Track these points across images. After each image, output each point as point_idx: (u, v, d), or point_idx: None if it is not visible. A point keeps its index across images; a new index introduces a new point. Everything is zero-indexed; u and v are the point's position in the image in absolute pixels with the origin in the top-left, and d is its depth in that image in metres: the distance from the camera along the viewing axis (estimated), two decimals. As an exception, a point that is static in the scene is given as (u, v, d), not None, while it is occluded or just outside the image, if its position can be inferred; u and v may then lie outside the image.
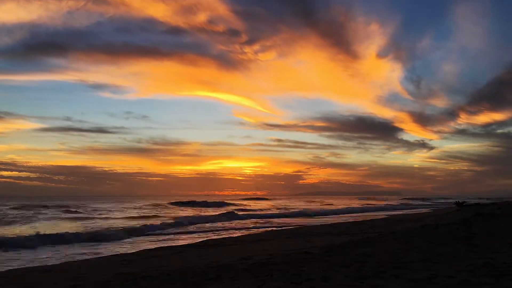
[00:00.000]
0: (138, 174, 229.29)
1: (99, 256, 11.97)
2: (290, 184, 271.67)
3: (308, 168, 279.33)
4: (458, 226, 14.18)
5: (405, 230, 14.54)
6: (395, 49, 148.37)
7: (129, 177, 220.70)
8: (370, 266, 6.81)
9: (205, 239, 16.31)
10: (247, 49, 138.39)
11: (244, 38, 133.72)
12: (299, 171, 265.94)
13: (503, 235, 10.73)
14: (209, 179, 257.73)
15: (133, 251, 12.77)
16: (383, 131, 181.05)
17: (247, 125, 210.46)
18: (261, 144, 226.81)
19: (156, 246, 14.33)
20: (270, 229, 21.33)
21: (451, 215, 24.62)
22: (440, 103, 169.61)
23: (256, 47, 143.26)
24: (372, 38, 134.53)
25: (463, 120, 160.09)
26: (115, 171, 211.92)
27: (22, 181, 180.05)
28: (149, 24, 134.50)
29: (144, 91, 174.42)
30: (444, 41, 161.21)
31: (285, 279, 6.08)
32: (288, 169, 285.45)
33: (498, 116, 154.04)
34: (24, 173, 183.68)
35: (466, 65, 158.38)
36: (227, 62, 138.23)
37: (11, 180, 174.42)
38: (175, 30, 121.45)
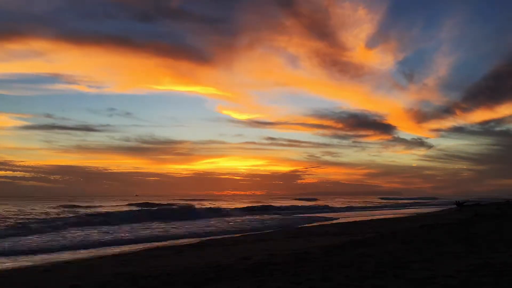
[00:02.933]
0: (134, 174, 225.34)
1: (99, 256, 11.97)
2: (289, 184, 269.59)
3: (306, 168, 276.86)
4: (458, 226, 14.20)
5: (405, 230, 14.55)
6: (385, 39, 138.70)
7: (125, 176, 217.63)
8: (370, 266, 6.81)
9: (205, 239, 16.31)
10: (227, 40, 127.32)
11: (223, 28, 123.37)
12: (297, 171, 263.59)
13: (503, 235, 10.73)
14: (207, 179, 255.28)
15: (133, 251, 12.77)
16: (378, 129, 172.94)
17: (236, 122, 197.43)
18: (254, 143, 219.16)
19: (156, 246, 14.33)
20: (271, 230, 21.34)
21: (451, 215, 24.65)
22: (435, 99, 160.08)
23: (236, 38, 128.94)
24: (360, 27, 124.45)
25: (460, 118, 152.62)
26: (110, 171, 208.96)
27: (18, 181, 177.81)
28: (115, 10, 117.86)
29: (122, 86, 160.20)
30: (436, 30, 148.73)
31: (285, 279, 6.08)
32: (285, 169, 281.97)
33: (496, 113, 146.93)
34: (19, 172, 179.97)
35: (460, 57, 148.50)
36: (207, 54, 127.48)
37: (8, 180, 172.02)
38: (146, 17, 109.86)
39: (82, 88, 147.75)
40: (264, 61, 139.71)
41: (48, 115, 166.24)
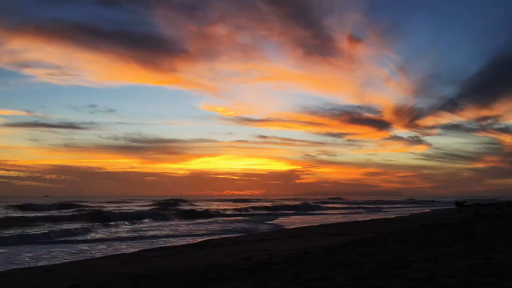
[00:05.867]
0: (131, 173, 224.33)
1: (99, 256, 11.97)
2: (288, 184, 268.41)
3: (304, 167, 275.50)
4: (458, 226, 14.19)
5: (405, 230, 14.54)
6: (374, 29, 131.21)
7: (123, 176, 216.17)
8: (370, 266, 6.81)
9: (205, 239, 16.31)
10: (205, 29, 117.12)
11: (199, 15, 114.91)
12: (296, 171, 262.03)
13: (503, 235, 10.73)
14: (205, 179, 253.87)
15: (133, 251, 12.76)
16: (372, 126, 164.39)
17: (225, 120, 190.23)
18: (246, 141, 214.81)
19: (156, 246, 14.33)
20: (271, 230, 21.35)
21: (451, 215, 24.64)
22: (430, 94, 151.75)
23: (215, 27, 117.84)
24: (346, 14, 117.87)
25: (457, 115, 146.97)
26: (105, 170, 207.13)
27: (13, 181, 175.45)
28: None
29: (99, 80, 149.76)
30: (429, 21, 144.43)
31: (285, 279, 6.08)
32: (283, 168, 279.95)
33: (493, 111, 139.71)
34: (13, 172, 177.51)
35: (456, 51, 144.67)
36: (185, 45, 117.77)
37: (5, 180, 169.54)
38: (111, 2, 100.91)
39: (55, 81, 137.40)
40: (246, 52, 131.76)
41: (28, 112, 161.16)
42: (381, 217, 31.11)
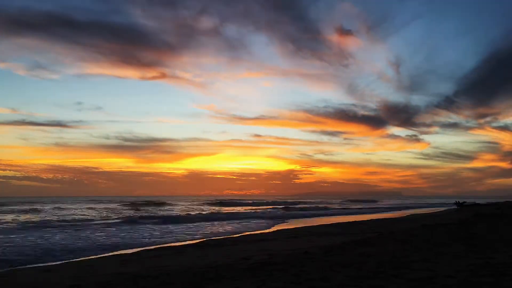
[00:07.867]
0: (129, 173, 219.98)
1: (99, 256, 11.97)
2: (287, 184, 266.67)
3: (303, 167, 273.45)
4: (458, 226, 14.20)
5: (405, 230, 14.55)
6: (363, 21, 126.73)
7: (121, 176, 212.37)
8: (370, 266, 6.81)
9: (205, 239, 16.31)
10: (189, 22, 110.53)
11: (182, 7, 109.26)
12: (295, 170, 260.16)
13: (503, 235, 10.73)
14: (203, 179, 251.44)
15: (133, 251, 12.76)
16: (368, 124, 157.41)
17: (217, 118, 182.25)
18: (241, 140, 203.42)
19: (156, 246, 14.32)
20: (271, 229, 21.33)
21: (451, 215, 24.65)
22: (426, 92, 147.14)
23: (199, 20, 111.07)
24: (335, 5, 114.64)
25: (455, 113, 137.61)
26: (101, 170, 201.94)
27: (11, 180, 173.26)
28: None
29: (82, 75, 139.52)
30: (421, 12, 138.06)
31: (285, 279, 6.08)
32: (281, 168, 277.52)
33: (492, 109, 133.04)
34: (9, 172, 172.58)
35: (454, 47, 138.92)
36: (168, 38, 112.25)
37: (2, 180, 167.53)
38: None
39: (36, 77, 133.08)
40: (232, 46, 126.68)
41: (14, 110, 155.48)
42: (381, 217, 31.09)
